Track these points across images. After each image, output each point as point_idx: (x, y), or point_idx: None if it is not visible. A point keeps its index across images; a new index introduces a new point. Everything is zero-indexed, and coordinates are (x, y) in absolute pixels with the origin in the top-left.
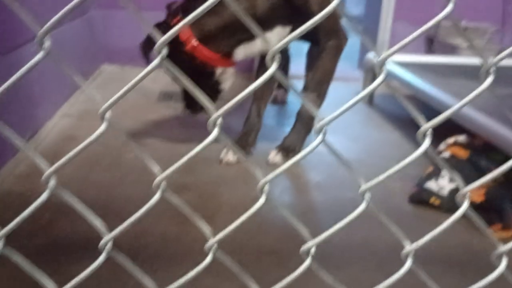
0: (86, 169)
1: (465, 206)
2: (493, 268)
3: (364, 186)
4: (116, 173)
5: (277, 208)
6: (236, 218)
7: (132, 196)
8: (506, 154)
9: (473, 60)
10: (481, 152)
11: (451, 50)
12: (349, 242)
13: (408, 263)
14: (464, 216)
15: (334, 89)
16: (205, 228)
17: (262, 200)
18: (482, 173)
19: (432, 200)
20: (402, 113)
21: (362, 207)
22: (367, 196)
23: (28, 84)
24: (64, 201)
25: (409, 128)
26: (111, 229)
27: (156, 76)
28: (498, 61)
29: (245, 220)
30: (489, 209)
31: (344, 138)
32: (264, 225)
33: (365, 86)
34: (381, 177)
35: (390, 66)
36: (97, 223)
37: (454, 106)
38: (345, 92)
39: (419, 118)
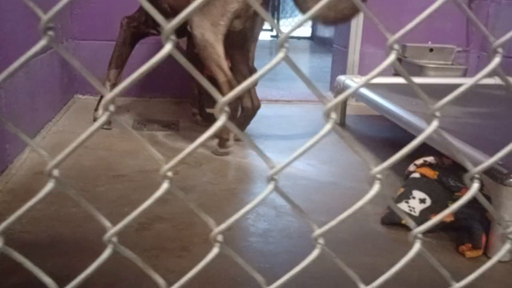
0: (57, 204)
1: (417, 247)
2: None
3: (318, 231)
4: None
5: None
6: (210, 249)
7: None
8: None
9: (439, 80)
10: (450, 172)
11: (419, 70)
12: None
13: None
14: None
15: (307, 111)
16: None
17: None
18: (451, 192)
19: (404, 221)
20: (373, 134)
21: (315, 253)
22: (321, 241)
23: None
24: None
25: (381, 148)
26: (85, 264)
27: (130, 104)
28: (439, 107)
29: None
30: (458, 228)
31: (317, 161)
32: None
33: (335, 108)
34: (334, 222)
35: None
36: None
37: (419, 127)
38: (316, 115)
39: (368, 160)
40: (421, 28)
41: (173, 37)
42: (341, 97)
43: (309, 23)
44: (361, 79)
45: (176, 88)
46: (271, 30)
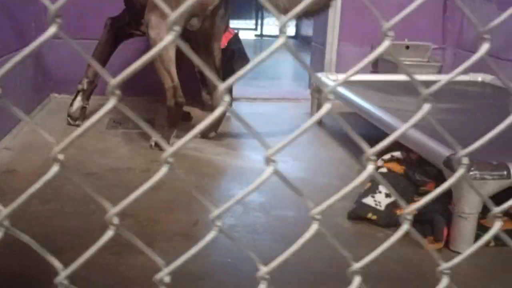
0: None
1: (406, 226)
2: (434, 281)
3: (315, 210)
4: (54, 205)
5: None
6: (175, 245)
7: (72, 229)
8: (438, 168)
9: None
10: (416, 167)
11: (395, 67)
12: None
13: (357, 280)
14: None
15: (285, 109)
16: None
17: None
18: (417, 187)
19: (369, 215)
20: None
21: (314, 228)
22: (318, 217)
23: None
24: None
25: (354, 145)
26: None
27: (105, 103)
28: (434, 91)
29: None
30: (422, 222)
31: (290, 157)
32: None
33: (312, 106)
34: (330, 200)
35: (330, 84)
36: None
37: (394, 126)
38: (295, 113)
39: (363, 144)
40: (397, 25)
41: (176, 28)
42: (350, 73)
43: (294, 22)
44: (337, 77)
45: (151, 87)
46: (255, 29)
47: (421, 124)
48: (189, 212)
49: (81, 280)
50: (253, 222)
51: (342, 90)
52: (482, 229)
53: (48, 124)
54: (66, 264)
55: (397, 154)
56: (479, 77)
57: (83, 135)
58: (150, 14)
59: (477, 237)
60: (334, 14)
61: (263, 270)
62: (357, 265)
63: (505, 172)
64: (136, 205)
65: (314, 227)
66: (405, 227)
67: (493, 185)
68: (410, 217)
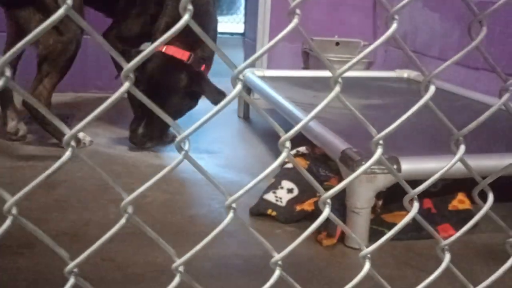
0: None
1: (327, 211)
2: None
3: (230, 199)
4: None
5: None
6: (60, 245)
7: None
8: None
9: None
10: (320, 162)
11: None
12: (222, 254)
13: (277, 272)
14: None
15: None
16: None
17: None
18: (321, 182)
19: (269, 211)
20: (271, 127)
21: (229, 217)
22: (234, 206)
23: None
24: None
25: (275, 140)
26: None
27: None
28: (343, 72)
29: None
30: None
31: (206, 154)
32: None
33: (239, 100)
34: (244, 189)
35: (254, 80)
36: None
37: (299, 118)
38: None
39: (279, 129)
40: (327, 21)
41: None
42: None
43: (243, 19)
44: (263, 73)
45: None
46: None
47: (328, 118)
48: (83, 211)
49: None
50: (160, 221)
51: (265, 86)
52: (383, 224)
53: None
54: None
55: (302, 149)
56: (405, 74)
57: None
58: None
59: (373, 232)
60: (264, 10)
61: (178, 262)
62: (276, 257)
63: (395, 166)
64: (29, 205)
65: (231, 215)
66: (326, 211)
67: (383, 179)
68: (329, 201)
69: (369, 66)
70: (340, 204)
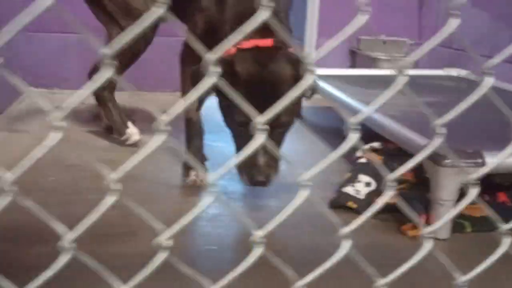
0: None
1: (390, 193)
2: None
3: (303, 176)
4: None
5: None
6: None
7: None
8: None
9: (389, 72)
10: (394, 157)
11: (372, 62)
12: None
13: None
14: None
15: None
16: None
17: None
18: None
19: (350, 204)
20: (326, 124)
21: (303, 194)
22: (309, 183)
23: None
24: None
25: (332, 138)
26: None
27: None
28: (409, 62)
29: None
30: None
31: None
32: None
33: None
34: (317, 167)
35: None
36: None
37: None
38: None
39: (344, 114)
40: (375, 21)
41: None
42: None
43: None
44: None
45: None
46: None
47: (399, 117)
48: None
49: None
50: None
51: (321, 83)
52: (461, 216)
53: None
54: None
55: (375, 144)
56: (454, 72)
57: None
58: None
59: (456, 225)
60: (313, 10)
61: (257, 234)
62: (346, 229)
63: (480, 160)
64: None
65: (303, 193)
66: (389, 193)
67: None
68: (393, 184)
69: (416, 64)
70: (422, 196)
